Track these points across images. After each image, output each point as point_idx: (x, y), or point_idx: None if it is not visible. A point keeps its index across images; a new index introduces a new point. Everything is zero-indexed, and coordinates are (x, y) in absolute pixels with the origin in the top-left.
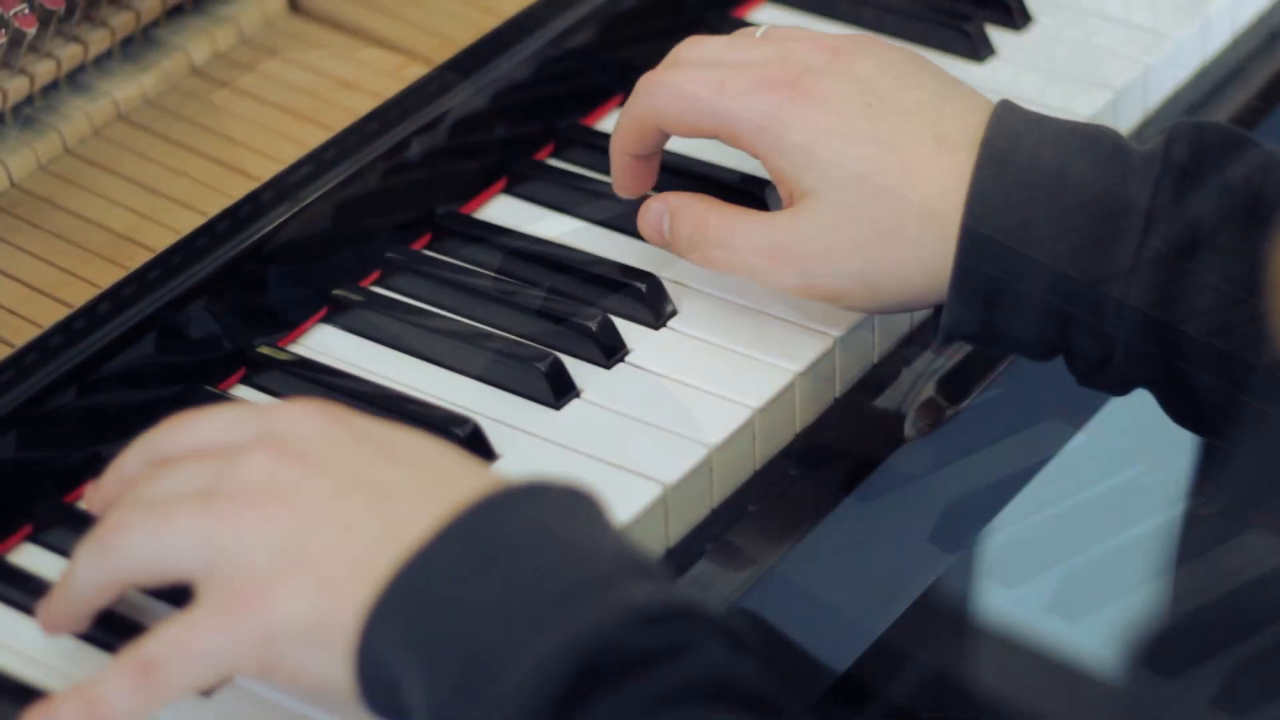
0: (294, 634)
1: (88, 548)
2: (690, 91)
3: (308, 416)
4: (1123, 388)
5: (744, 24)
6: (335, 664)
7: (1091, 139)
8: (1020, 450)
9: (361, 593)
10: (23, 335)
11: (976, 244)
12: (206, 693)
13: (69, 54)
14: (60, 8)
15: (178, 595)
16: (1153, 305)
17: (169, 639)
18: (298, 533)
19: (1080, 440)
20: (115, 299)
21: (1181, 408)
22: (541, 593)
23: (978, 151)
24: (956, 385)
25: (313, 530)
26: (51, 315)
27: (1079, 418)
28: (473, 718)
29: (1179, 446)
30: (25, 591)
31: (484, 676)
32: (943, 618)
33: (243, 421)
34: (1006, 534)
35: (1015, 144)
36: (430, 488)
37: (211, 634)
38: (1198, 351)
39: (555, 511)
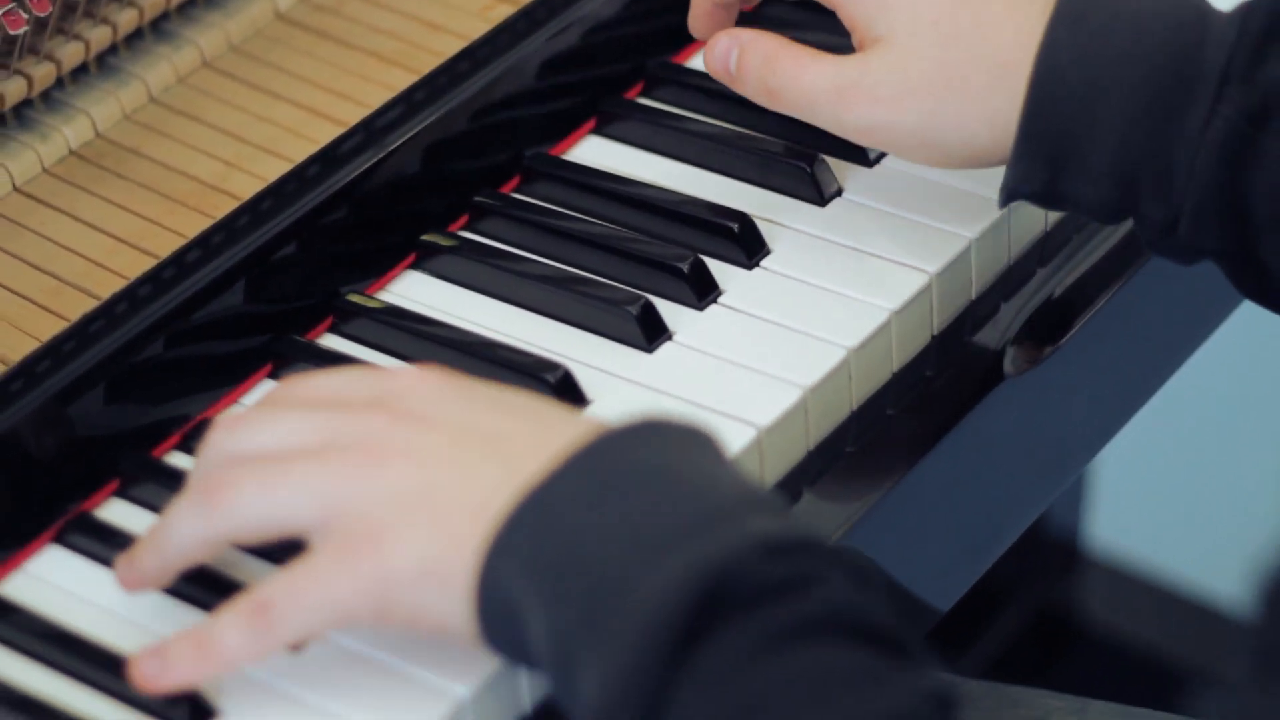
0: (411, 577)
1: (189, 506)
2: None
3: (422, 380)
4: (1190, 256)
5: None
6: (455, 604)
7: (1173, 2)
8: (1124, 384)
9: (480, 531)
10: (109, 287)
11: (1045, 100)
12: (297, 647)
13: (152, 1)
14: None
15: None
16: (1221, 172)
17: (286, 584)
18: (417, 481)
19: (1187, 371)
20: (203, 247)
21: (1250, 281)
22: (664, 523)
23: (1053, 5)
24: (1055, 321)
25: (432, 478)
26: (138, 266)
27: (1184, 348)
28: (595, 646)
29: None
30: (113, 547)
31: (607, 605)
32: (1050, 552)
33: (356, 382)
34: (1115, 468)
35: (1092, 2)
36: (545, 435)
37: (330, 580)
38: (1267, 222)
39: (674, 447)
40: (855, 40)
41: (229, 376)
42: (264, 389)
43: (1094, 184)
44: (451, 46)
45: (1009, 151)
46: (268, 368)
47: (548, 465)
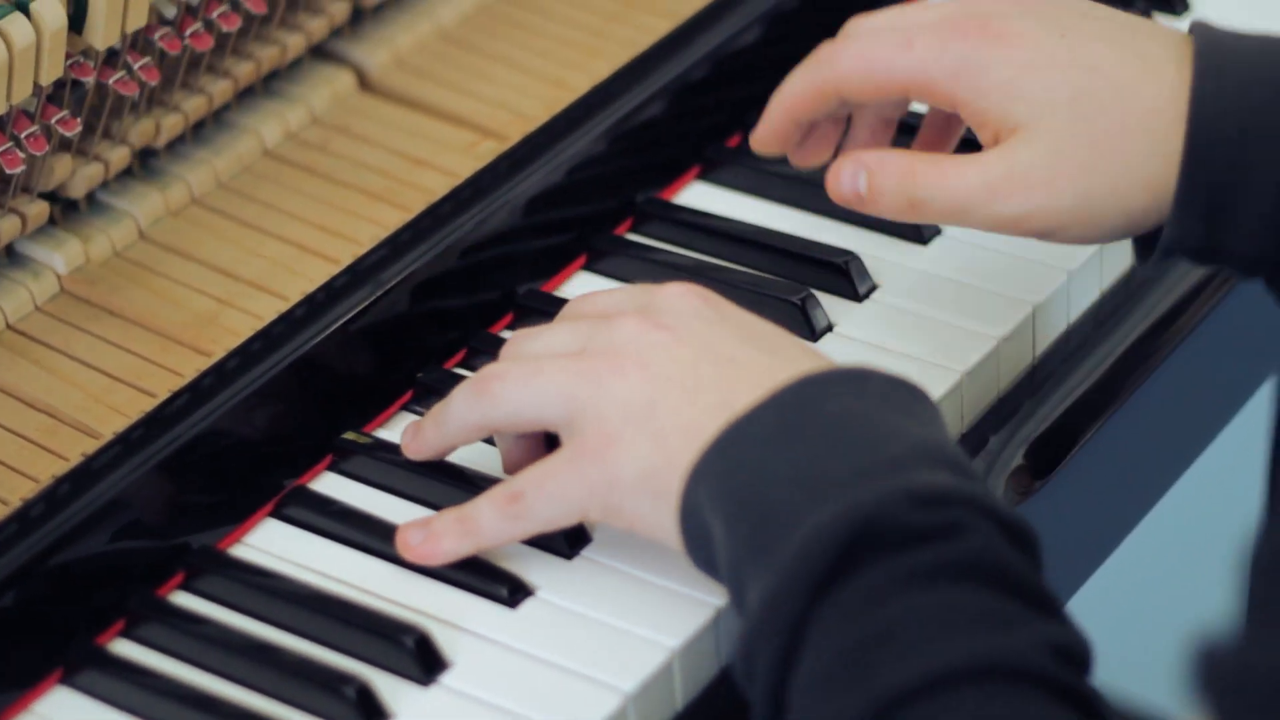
0: (632, 484)
1: (466, 390)
2: (874, 54)
3: (686, 294)
4: None
5: None
6: (666, 514)
7: None
8: (1109, 520)
9: (691, 451)
10: (107, 425)
11: (1201, 154)
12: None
13: (141, 137)
14: (134, 94)
15: None
16: None
17: (534, 477)
18: (648, 394)
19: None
20: (194, 390)
21: None
22: (835, 467)
23: (1192, 64)
24: (1046, 455)
25: (661, 393)
26: (134, 404)
27: (1167, 478)
28: (759, 568)
29: None
30: (120, 685)
31: (771, 535)
32: None
33: (630, 296)
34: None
35: (1228, 56)
36: (773, 368)
37: (565, 478)
38: None
39: (871, 397)
40: (985, 136)
41: (230, 514)
42: (265, 529)
43: (1252, 235)
44: (439, 182)
45: (1162, 214)
46: (269, 506)
47: (757, 399)
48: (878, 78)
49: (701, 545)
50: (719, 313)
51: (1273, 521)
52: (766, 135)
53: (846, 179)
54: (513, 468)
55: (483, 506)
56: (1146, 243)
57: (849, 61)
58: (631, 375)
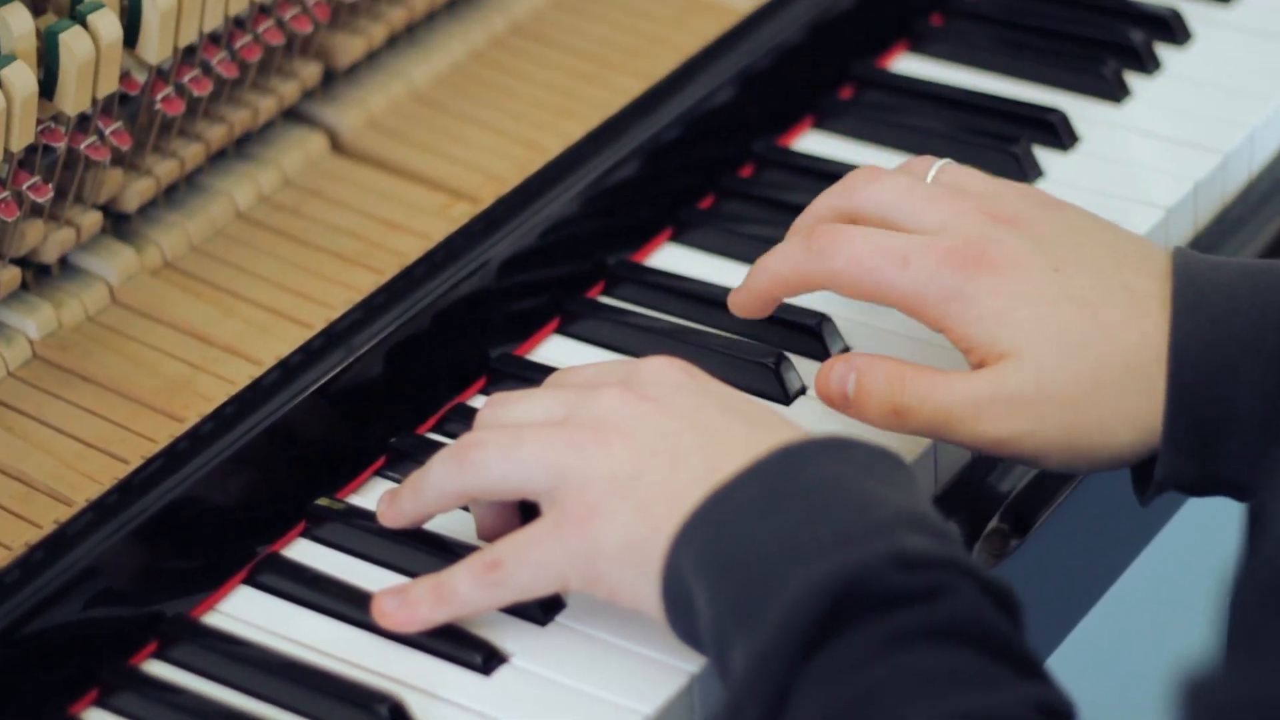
0: (615, 554)
1: (446, 458)
2: (871, 264)
3: (668, 367)
4: None
5: (791, 153)
6: (647, 583)
7: (1273, 270)
8: (1087, 575)
9: (675, 520)
10: (80, 492)
11: (1184, 392)
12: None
13: (114, 203)
14: (105, 159)
15: None
16: None
17: (514, 545)
18: (632, 464)
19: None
20: (170, 455)
21: None
22: (818, 532)
23: (1171, 300)
24: (1022, 514)
25: (645, 464)
26: (107, 470)
27: (1143, 539)
28: (743, 634)
29: None
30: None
31: (755, 600)
32: None
33: (611, 368)
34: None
35: (1206, 289)
36: (755, 438)
37: (548, 547)
38: None
39: (852, 464)
40: (974, 358)
41: (203, 581)
42: (239, 596)
43: (1245, 464)
44: (412, 245)
45: (1150, 448)
46: (242, 573)
47: (740, 467)
48: (867, 288)
49: (683, 613)
50: (700, 385)
51: (1253, 553)
52: (746, 302)
53: (836, 379)
54: (488, 534)
55: (460, 574)
56: (1141, 472)
57: (843, 264)
58: (615, 446)
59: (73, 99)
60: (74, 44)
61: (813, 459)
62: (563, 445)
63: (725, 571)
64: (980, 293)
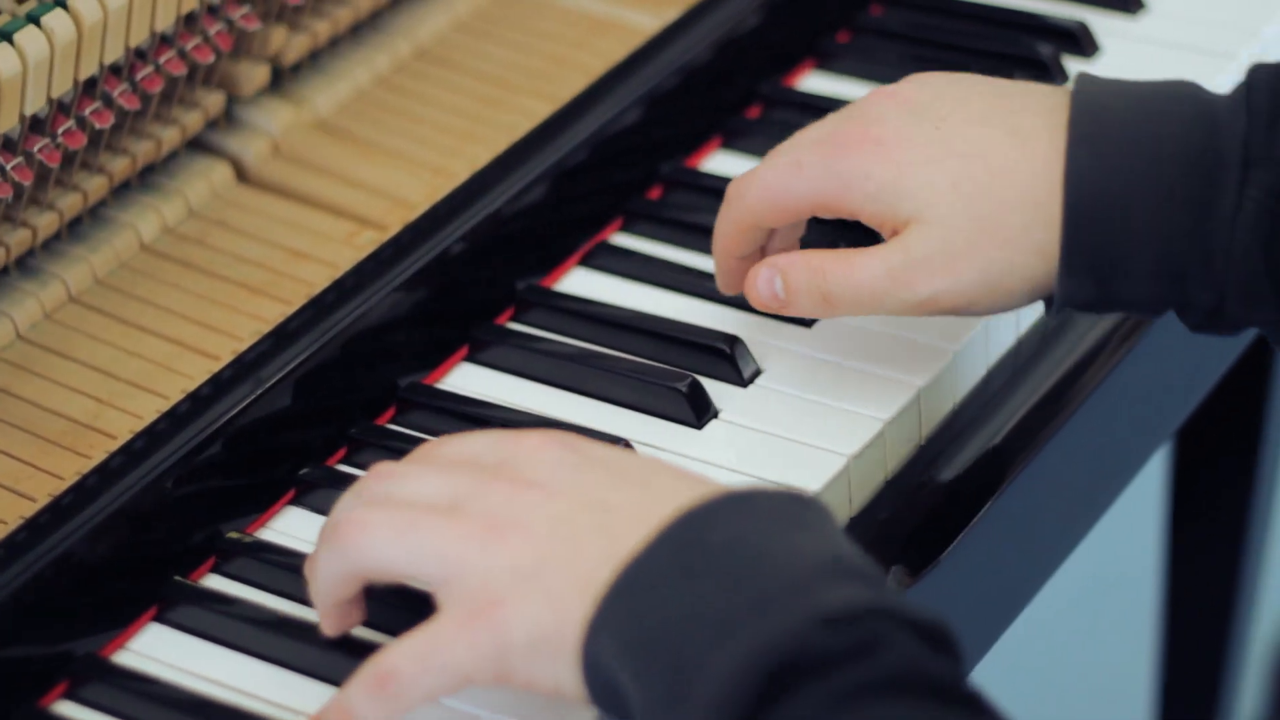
0: (525, 646)
1: (326, 543)
2: (774, 182)
3: (547, 444)
4: (1235, 330)
5: (700, 174)
6: (566, 672)
7: (1174, 98)
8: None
9: (585, 605)
10: None
11: (1080, 220)
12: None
13: (18, 240)
14: (8, 196)
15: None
16: (1257, 249)
17: (409, 651)
18: (533, 554)
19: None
20: (79, 491)
21: None
22: (736, 601)
23: (1068, 129)
24: (931, 540)
25: (545, 551)
26: (13, 510)
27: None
28: None
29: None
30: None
31: (684, 682)
32: None
33: (489, 447)
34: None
35: (1102, 117)
36: (652, 505)
37: (450, 646)
38: None
39: (758, 518)
40: (886, 231)
41: (115, 618)
42: (150, 633)
43: (1141, 284)
44: (319, 274)
45: None
46: (153, 610)
47: (643, 541)
48: (780, 203)
49: (612, 700)
50: (583, 457)
51: None
52: (723, 279)
53: (763, 284)
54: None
55: (354, 692)
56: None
57: (754, 193)
58: (512, 539)
59: None
60: None
61: (716, 520)
62: (457, 537)
63: (647, 655)
64: (871, 169)
